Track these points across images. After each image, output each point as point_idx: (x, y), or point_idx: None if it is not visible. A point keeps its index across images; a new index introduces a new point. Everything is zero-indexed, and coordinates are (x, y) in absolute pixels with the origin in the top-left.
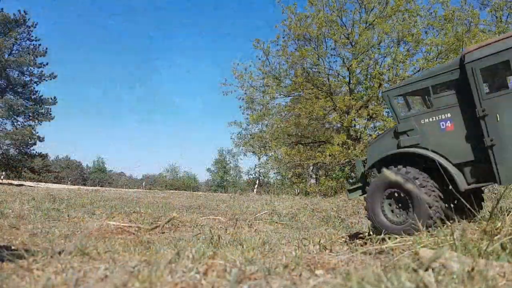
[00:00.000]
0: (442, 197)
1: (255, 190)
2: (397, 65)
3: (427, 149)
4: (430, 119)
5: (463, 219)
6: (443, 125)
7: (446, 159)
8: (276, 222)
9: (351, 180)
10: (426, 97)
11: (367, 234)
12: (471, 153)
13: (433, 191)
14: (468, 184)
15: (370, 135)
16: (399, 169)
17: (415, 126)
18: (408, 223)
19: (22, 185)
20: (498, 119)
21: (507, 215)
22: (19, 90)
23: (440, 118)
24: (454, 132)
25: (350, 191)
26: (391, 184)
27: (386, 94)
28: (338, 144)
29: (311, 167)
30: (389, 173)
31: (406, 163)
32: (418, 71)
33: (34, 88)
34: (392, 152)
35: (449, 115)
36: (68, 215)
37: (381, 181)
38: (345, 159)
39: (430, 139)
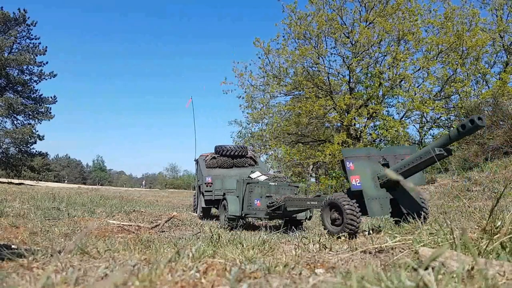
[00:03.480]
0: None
1: None
2: (398, 64)
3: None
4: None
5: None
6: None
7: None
8: (276, 222)
9: None
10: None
11: (367, 233)
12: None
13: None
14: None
15: (370, 134)
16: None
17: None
18: None
19: (22, 184)
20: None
21: (507, 214)
22: (19, 88)
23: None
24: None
25: None
26: None
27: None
28: (338, 143)
29: (311, 166)
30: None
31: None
32: (419, 69)
33: (33, 86)
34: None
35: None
36: (68, 214)
37: None
38: None
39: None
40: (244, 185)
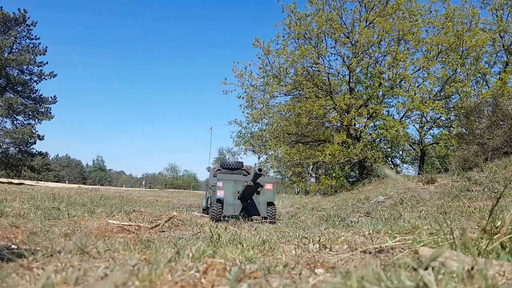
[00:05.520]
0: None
1: None
2: (398, 64)
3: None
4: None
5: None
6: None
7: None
8: (275, 222)
9: (351, 179)
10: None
11: (367, 232)
12: None
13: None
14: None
15: (370, 134)
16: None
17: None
18: None
19: (22, 184)
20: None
21: (507, 214)
22: (19, 89)
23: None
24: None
25: None
26: None
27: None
28: (338, 143)
29: (311, 166)
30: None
31: None
32: (418, 69)
33: (33, 86)
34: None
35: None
36: (68, 214)
37: None
38: (345, 158)
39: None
40: (209, 187)
